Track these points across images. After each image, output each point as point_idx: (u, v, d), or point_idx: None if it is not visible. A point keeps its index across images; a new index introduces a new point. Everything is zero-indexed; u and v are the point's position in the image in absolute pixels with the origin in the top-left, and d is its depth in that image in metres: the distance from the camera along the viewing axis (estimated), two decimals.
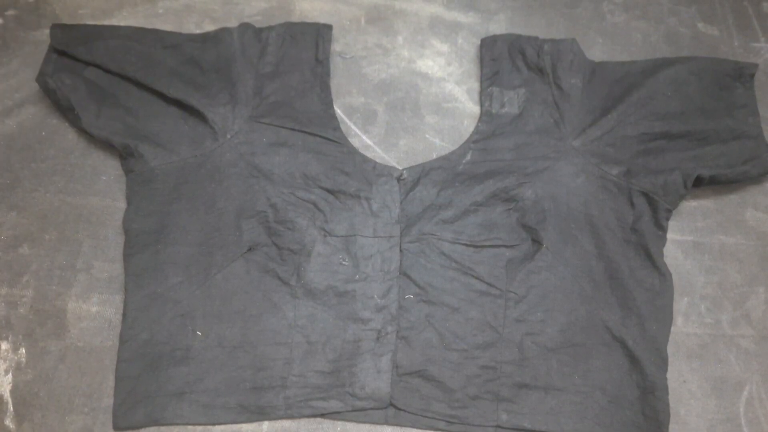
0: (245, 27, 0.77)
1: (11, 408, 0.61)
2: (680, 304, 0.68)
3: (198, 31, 0.80)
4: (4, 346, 0.64)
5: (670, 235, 0.71)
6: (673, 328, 0.66)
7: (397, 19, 0.86)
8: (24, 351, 0.64)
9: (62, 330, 0.65)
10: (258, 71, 0.75)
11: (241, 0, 0.86)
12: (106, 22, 0.82)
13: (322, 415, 0.62)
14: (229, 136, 0.70)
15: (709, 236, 0.73)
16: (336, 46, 0.82)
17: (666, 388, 0.62)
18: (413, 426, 0.62)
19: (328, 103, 0.75)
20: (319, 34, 0.79)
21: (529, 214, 0.68)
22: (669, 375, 0.63)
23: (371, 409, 0.62)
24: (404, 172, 0.70)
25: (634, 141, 0.72)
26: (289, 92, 0.75)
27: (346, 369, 0.62)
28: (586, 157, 0.71)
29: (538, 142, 0.72)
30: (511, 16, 0.87)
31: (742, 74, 0.78)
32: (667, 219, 0.69)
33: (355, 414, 0.62)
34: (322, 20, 0.83)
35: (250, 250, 0.66)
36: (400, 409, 0.62)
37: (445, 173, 0.71)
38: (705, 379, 0.65)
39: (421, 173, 0.71)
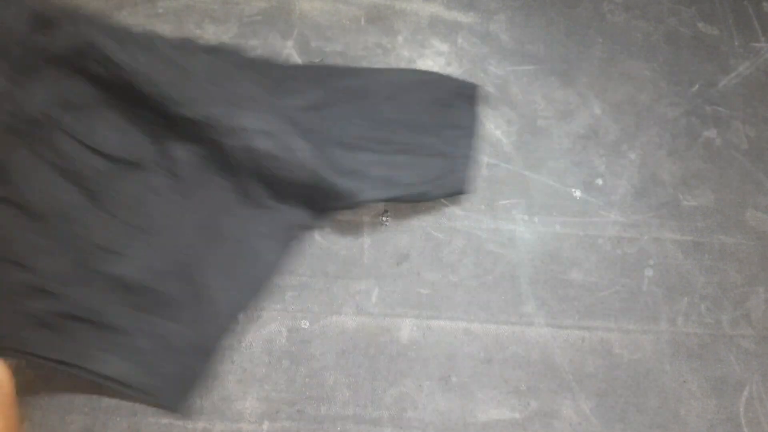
0: None
1: None
2: (680, 304, 0.68)
3: (198, 31, 0.80)
4: None
5: (670, 235, 0.71)
6: (673, 328, 0.66)
7: (397, 18, 0.86)
8: None
9: None
10: None
11: (241, 0, 0.86)
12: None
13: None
14: None
15: (709, 236, 0.73)
16: (336, 46, 0.83)
17: None
18: None
19: None
20: None
21: None
22: (669, 375, 0.64)
23: None
24: None
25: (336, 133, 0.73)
26: None
27: None
28: None
29: None
30: (511, 16, 0.87)
31: (461, 94, 0.77)
32: None
33: None
34: (322, 20, 0.83)
35: None
36: None
37: None
38: (705, 379, 0.65)
39: None
